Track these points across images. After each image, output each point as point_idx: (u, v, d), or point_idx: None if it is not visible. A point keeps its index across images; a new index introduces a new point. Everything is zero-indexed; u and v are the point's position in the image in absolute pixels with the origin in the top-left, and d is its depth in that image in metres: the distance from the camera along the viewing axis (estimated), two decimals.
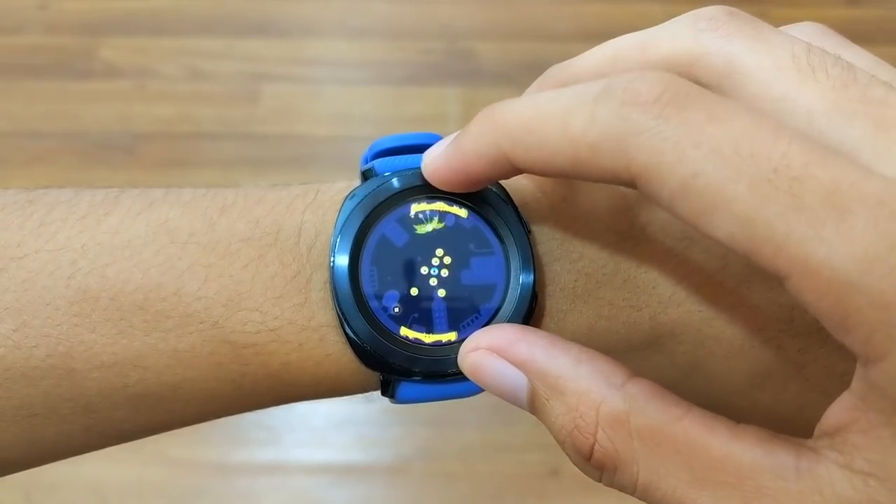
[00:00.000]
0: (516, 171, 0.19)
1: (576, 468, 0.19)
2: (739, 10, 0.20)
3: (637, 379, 0.18)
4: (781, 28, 0.21)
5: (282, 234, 0.22)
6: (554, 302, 0.22)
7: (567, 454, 0.18)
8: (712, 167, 0.15)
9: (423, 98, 1.20)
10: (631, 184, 0.17)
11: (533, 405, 0.19)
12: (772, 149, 0.15)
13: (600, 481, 0.18)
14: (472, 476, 0.89)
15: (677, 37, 0.20)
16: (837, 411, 0.16)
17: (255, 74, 1.21)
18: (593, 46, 0.21)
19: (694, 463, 0.17)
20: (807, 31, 0.21)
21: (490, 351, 0.19)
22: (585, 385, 0.18)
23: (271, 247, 0.22)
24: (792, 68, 0.18)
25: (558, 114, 0.17)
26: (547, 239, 0.22)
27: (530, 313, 0.21)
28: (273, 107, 1.18)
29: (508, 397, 0.19)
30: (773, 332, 0.17)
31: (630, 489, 0.18)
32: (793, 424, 0.18)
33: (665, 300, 0.21)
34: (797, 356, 0.20)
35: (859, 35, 1.26)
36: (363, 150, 0.23)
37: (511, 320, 0.21)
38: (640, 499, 0.18)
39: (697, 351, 0.21)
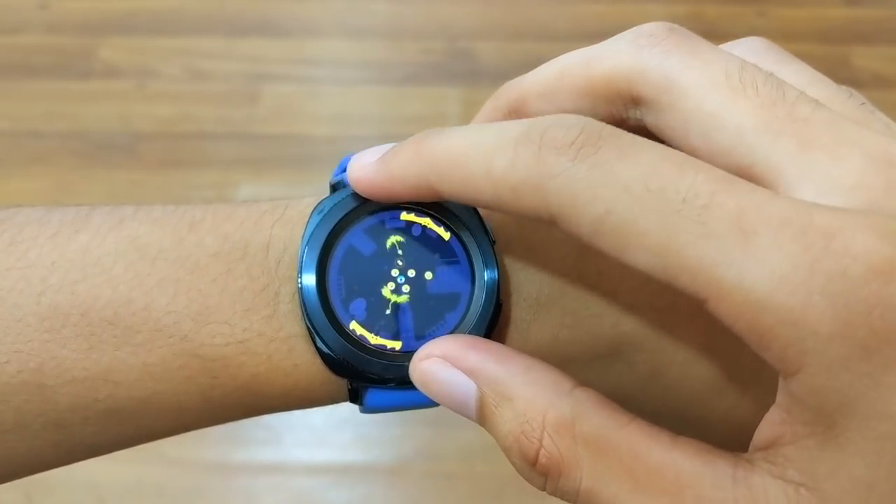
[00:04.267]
0: (440, 198, 0.20)
1: None
2: (680, 26, 0.21)
3: (584, 388, 0.19)
4: (730, 42, 0.22)
5: (250, 249, 0.22)
6: (518, 311, 0.22)
7: (512, 462, 0.19)
8: (623, 204, 0.16)
9: (423, 98, 1.20)
10: (551, 222, 0.18)
11: (481, 413, 0.19)
12: (679, 181, 0.16)
13: (544, 489, 0.18)
14: (472, 476, 0.89)
15: (619, 53, 0.20)
16: (767, 426, 0.17)
17: (255, 74, 1.21)
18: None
19: (636, 470, 0.17)
20: (751, 46, 0.22)
21: (442, 359, 0.20)
22: (534, 391, 0.18)
23: (240, 261, 0.22)
24: (724, 85, 0.19)
25: (482, 154, 0.18)
26: (511, 249, 0.22)
27: (495, 322, 0.21)
28: (273, 107, 1.18)
29: (457, 406, 0.19)
30: (730, 340, 0.17)
31: (573, 496, 0.18)
32: (750, 430, 0.18)
33: (626, 309, 0.22)
34: (753, 363, 0.21)
35: (859, 35, 1.27)
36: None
37: (476, 328, 0.21)
38: None
39: (657, 358, 0.22)
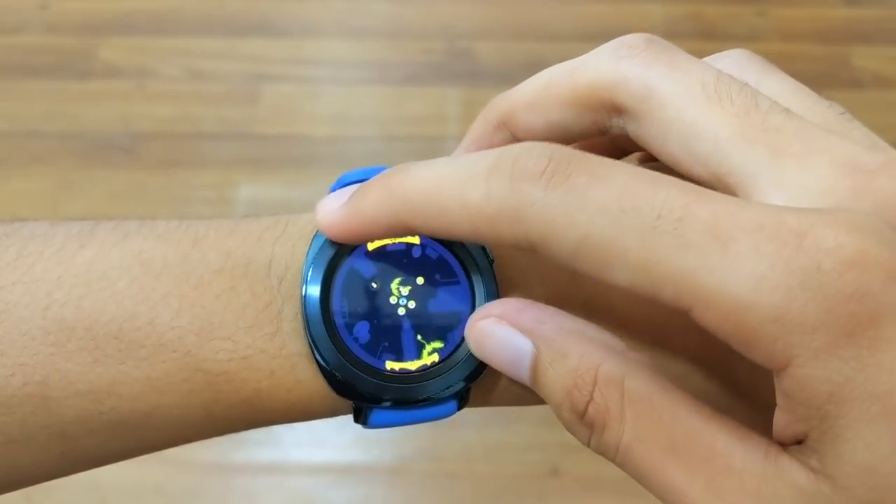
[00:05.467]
0: (414, 233, 0.20)
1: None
2: (658, 37, 0.21)
3: (636, 352, 0.19)
4: (714, 55, 0.23)
5: (252, 266, 0.22)
6: None
7: (561, 416, 0.19)
8: (601, 226, 0.17)
9: (423, 98, 1.20)
10: (530, 249, 0.18)
11: (534, 371, 0.19)
12: (652, 198, 0.17)
13: (588, 443, 0.19)
14: (472, 476, 0.89)
15: (600, 64, 0.21)
16: (777, 431, 0.18)
17: (255, 74, 1.21)
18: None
19: (674, 431, 0.18)
20: (735, 59, 0.22)
21: (499, 319, 0.20)
22: (589, 348, 0.19)
23: (243, 278, 0.22)
24: (701, 95, 0.20)
25: (455, 187, 0.18)
26: (509, 267, 0.23)
27: None
28: (273, 107, 1.18)
29: (509, 364, 0.20)
30: (725, 352, 0.18)
31: (612, 450, 0.18)
32: None
33: (621, 324, 0.22)
34: (748, 375, 0.21)
35: (859, 35, 1.27)
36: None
37: None
38: (618, 461, 0.19)
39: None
